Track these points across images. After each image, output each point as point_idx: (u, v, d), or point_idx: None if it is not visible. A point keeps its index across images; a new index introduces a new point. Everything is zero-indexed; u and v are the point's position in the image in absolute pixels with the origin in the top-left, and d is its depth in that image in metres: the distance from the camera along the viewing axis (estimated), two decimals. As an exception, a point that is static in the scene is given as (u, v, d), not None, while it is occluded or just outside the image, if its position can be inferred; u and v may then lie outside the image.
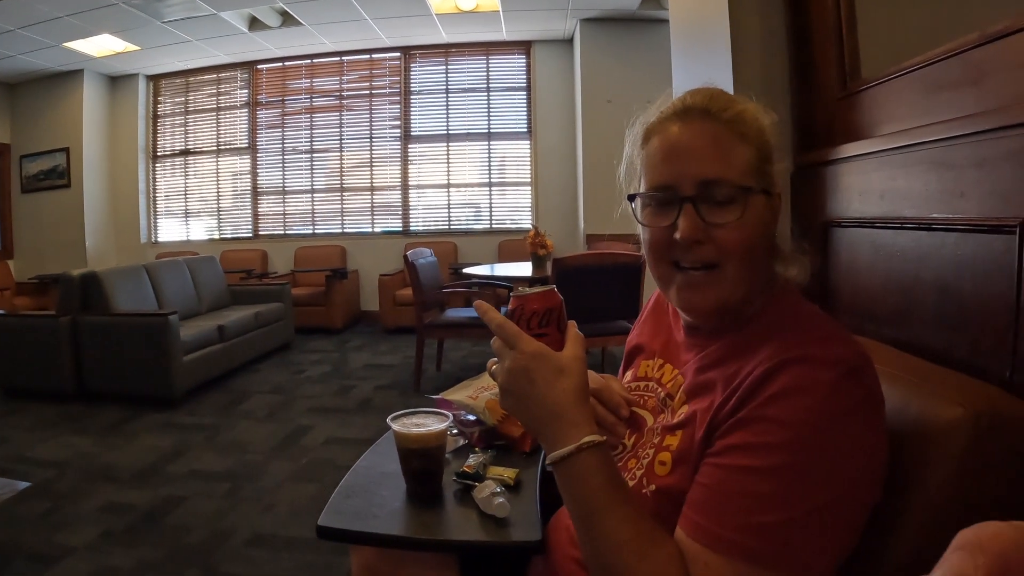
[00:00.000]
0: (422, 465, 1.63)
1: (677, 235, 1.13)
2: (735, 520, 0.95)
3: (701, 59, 2.59)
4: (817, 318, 1.14)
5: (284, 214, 11.01)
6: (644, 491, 1.16)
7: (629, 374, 1.49)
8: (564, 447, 1.04)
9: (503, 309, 1.17)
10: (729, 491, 0.98)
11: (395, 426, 1.63)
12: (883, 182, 1.60)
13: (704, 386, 1.17)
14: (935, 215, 1.37)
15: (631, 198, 1.25)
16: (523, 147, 10.56)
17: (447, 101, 10.67)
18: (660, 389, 1.31)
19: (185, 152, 11.14)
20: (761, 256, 1.17)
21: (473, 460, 1.73)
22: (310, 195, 10.95)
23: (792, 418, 0.95)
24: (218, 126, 11.06)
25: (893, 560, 1.00)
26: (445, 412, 1.71)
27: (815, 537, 0.93)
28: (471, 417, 1.94)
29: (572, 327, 1.15)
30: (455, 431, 1.93)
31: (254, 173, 10.98)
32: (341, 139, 10.83)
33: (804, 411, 0.95)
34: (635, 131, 1.26)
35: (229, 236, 11.11)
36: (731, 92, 1.23)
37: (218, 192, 11.14)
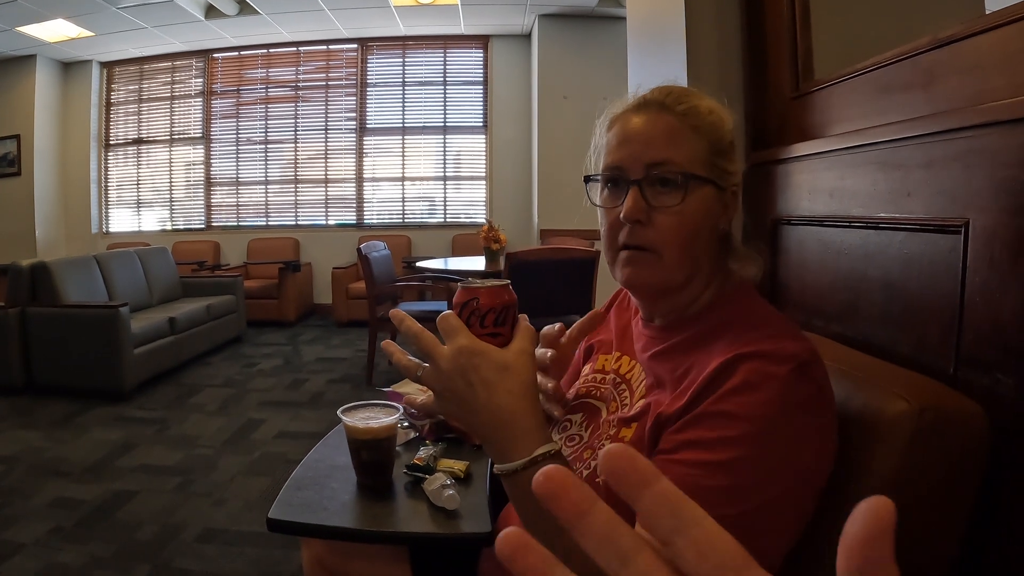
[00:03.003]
0: (372, 457, 1.63)
1: (621, 215, 1.17)
2: None
3: (657, 57, 2.60)
4: (769, 315, 1.17)
5: (237, 205, 10.90)
6: (597, 480, 1.16)
7: (587, 367, 1.50)
8: (514, 459, 0.99)
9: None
10: (689, 486, 0.96)
11: (345, 419, 1.64)
12: (833, 181, 1.62)
13: (658, 379, 1.20)
14: (883, 214, 1.40)
15: (587, 180, 1.30)
16: (478, 141, 10.58)
17: (403, 94, 10.63)
18: (620, 380, 1.33)
19: (138, 141, 10.98)
20: (705, 247, 1.20)
21: (423, 452, 1.74)
22: (264, 186, 10.86)
23: (747, 412, 0.97)
24: (172, 115, 10.90)
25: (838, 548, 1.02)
26: (395, 405, 1.72)
27: (772, 526, 0.97)
28: (422, 409, 1.94)
29: (523, 320, 1.10)
30: (406, 424, 1.94)
31: (207, 163, 10.85)
32: (296, 130, 10.76)
33: (759, 405, 0.97)
34: (602, 120, 1.29)
35: (181, 227, 10.98)
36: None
37: (171, 182, 10.99)
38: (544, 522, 0.97)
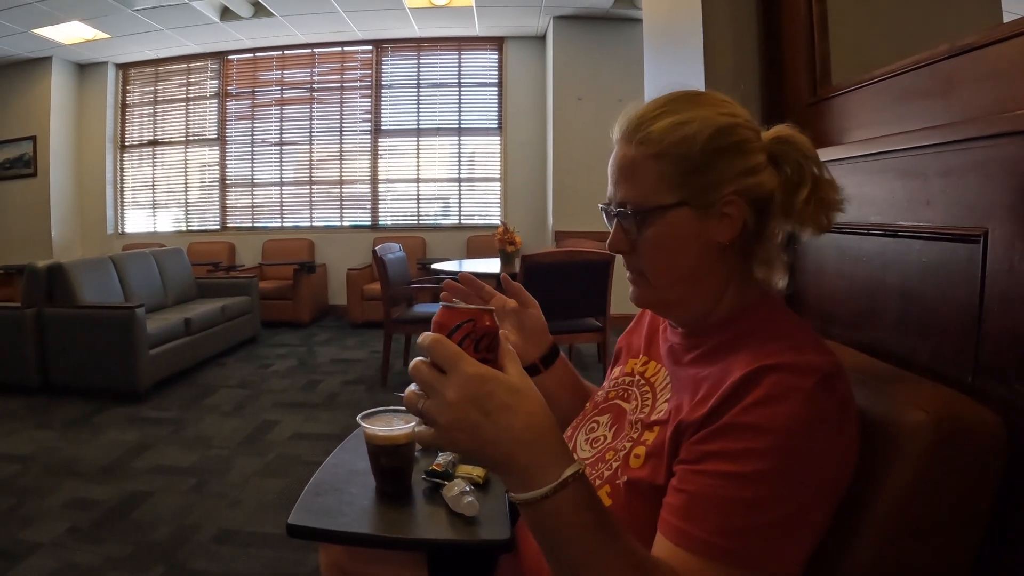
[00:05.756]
0: (391, 463, 1.64)
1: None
2: (721, 525, 0.97)
3: (674, 61, 2.60)
4: (793, 326, 1.17)
5: (252, 206, 10.96)
6: (617, 482, 1.18)
7: (617, 370, 1.52)
8: (541, 484, 0.91)
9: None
10: (714, 497, 0.99)
11: (365, 424, 1.64)
12: (851, 188, 1.60)
13: (681, 385, 1.21)
14: (901, 222, 1.39)
15: (603, 210, 1.32)
16: (493, 143, 10.60)
17: (418, 95, 10.66)
18: (644, 383, 1.35)
19: (153, 142, 11.04)
20: (694, 265, 1.20)
21: (442, 459, 1.74)
22: (279, 188, 10.91)
23: (771, 425, 0.98)
24: (187, 117, 10.97)
25: (855, 556, 1.04)
26: (415, 411, 1.72)
27: (792, 538, 0.97)
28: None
29: (504, 341, 1.01)
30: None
31: (223, 164, 10.91)
32: (311, 132, 10.80)
33: (782, 418, 0.98)
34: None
35: (196, 228, 11.04)
36: (702, 91, 1.28)
37: (186, 183, 11.06)
38: (567, 546, 0.94)
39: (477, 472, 1.69)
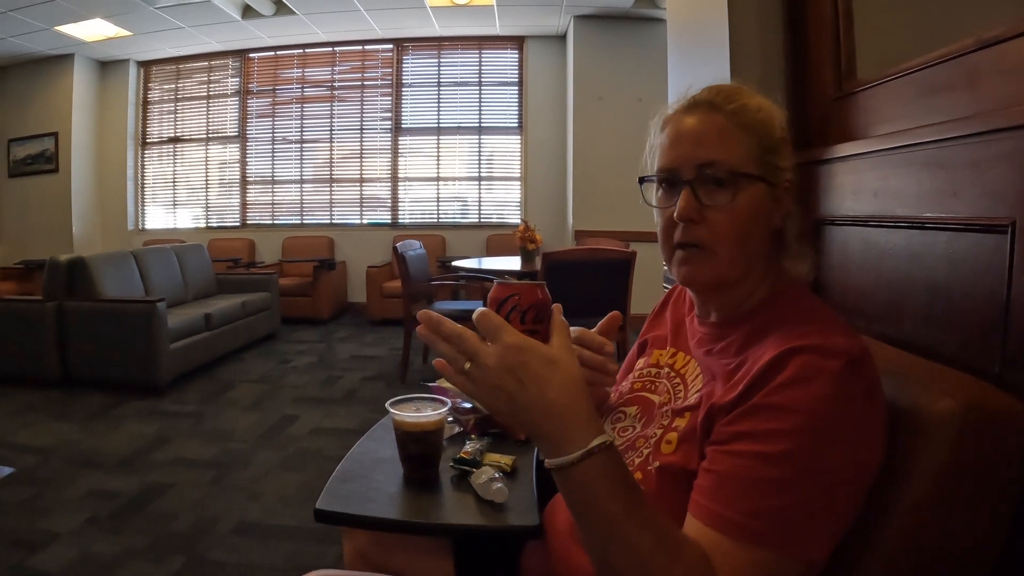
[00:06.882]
0: (420, 450, 1.64)
1: (675, 214, 1.19)
2: (748, 505, 0.97)
3: (699, 59, 2.59)
4: (822, 311, 1.17)
5: (272, 204, 10.99)
6: (649, 468, 1.18)
7: (642, 361, 1.52)
8: (569, 452, 0.97)
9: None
10: (741, 477, 0.99)
11: (394, 411, 1.63)
12: (876, 181, 1.60)
13: (712, 373, 1.21)
14: (928, 214, 1.38)
15: (641, 181, 1.31)
16: (513, 142, 10.59)
17: (439, 94, 10.67)
18: (674, 375, 1.35)
19: (174, 139, 11.10)
20: (758, 243, 1.21)
21: (470, 446, 1.74)
22: (299, 185, 10.94)
23: (798, 405, 0.98)
24: (208, 114, 11.02)
25: (883, 544, 1.02)
26: (443, 399, 1.72)
27: (822, 519, 0.96)
28: (467, 404, 1.95)
29: (556, 314, 1.08)
30: (451, 418, 1.94)
31: (243, 162, 10.96)
32: (331, 130, 10.83)
33: (810, 399, 0.98)
34: (656, 120, 1.31)
35: (216, 225, 11.10)
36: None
37: (206, 180, 11.11)
38: (594, 514, 0.97)
39: (505, 460, 1.69)
